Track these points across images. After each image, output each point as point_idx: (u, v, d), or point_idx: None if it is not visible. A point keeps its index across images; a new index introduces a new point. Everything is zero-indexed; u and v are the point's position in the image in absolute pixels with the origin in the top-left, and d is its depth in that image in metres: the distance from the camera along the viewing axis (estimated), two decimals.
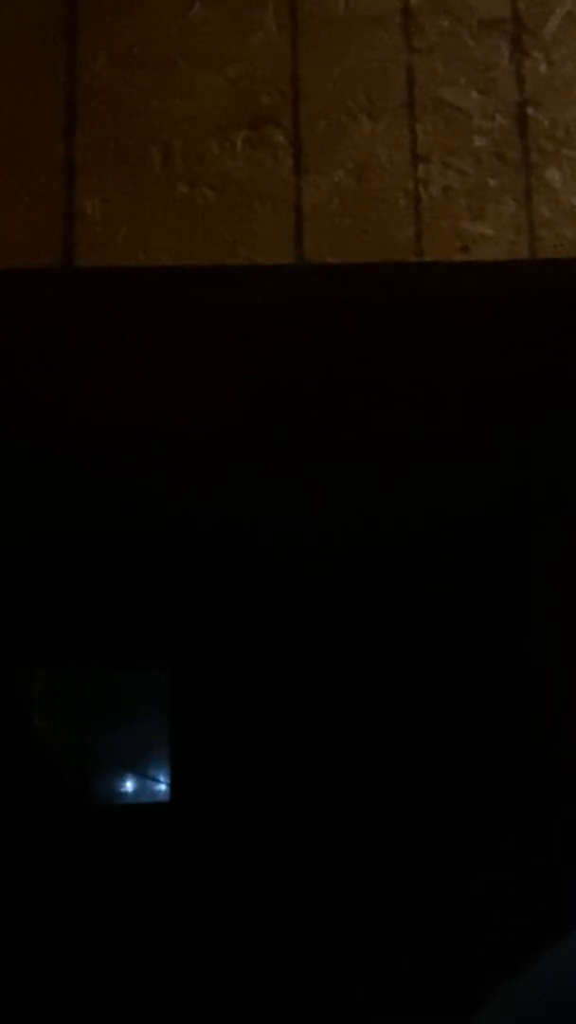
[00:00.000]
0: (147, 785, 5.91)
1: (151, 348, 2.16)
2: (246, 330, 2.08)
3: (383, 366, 2.28)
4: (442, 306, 1.87)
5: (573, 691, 2.81)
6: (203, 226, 1.51)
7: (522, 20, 1.59)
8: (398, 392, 2.43)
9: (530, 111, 1.56)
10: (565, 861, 2.80)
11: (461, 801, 3.86)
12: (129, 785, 6.04)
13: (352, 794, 4.45)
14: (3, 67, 1.55)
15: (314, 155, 1.54)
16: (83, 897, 4.36)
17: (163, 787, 5.45)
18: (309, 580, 4.03)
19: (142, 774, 5.92)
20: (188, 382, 2.35)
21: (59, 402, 2.44)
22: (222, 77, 1.55)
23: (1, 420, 2.52)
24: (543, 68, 1.57)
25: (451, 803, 3.96)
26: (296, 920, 4.30)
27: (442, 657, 4.08)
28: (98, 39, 1.56)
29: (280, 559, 3.76)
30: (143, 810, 5.52)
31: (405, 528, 3.44)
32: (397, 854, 4.24)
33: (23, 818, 4.31)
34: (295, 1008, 4.07)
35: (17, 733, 4.67)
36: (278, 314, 1.96)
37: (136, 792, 6.00)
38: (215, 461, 2.83)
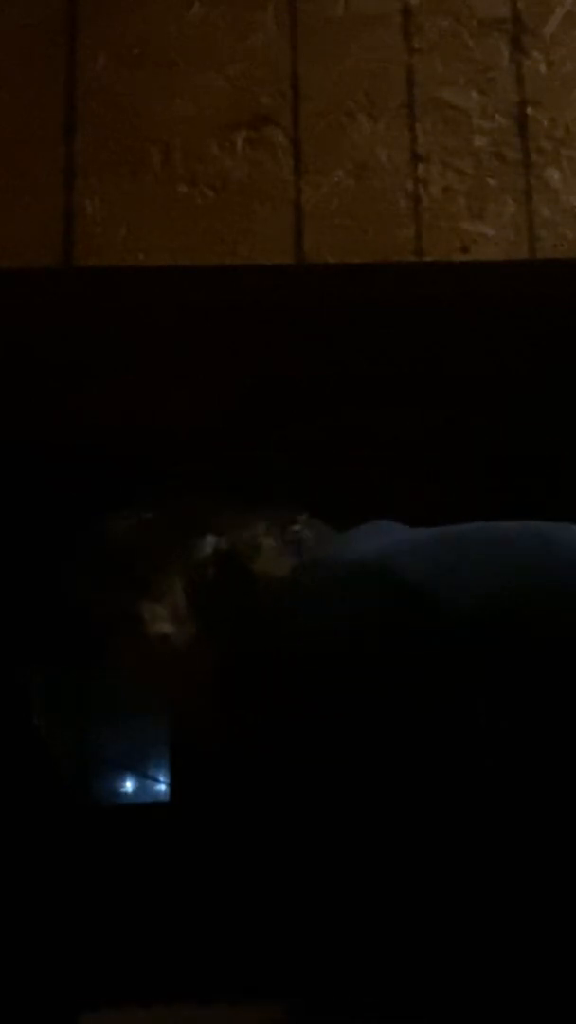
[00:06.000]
0: (147, 785, 5.91)
1: (151, 348, 2.16)
2: (246, 330, 2.08)
3: (382, 366, 2.27)
4: (442, 306, 1.86)
5: None
6: (203, 226, 1.51)
7: (522, 20, 1.59)
8: (398, 392, 2.42)
9: (530, 111, 1.56)
10: None
11: (459, 799, 3.86)
12: (129, 785, 6.04)
13: (353, 793, 4.44)
14: (3, 67, 1.55)
15: (314, 155, 1.54)
16: (83, 897, 4.36)
17: (163, 787, 5.45)
18: None
19: (142, 774, 5.92)
20: (188, 382, 2.34)
21: (59, 402, 2.44)
22: (222, 77, 1.56)
23: (1, 420, 2.52)
24: (543, 68, 1.58)
25: (449, 800, 3.96)
26: (296, 920, 4.30)
27: None
28: (98, 39, 1.56)
29: None
30: (143, 810, 5.51)
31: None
32: (398, 853, 4.24)
33: (23, 818, 4.31)
34: (293, 1008, 4.06)
35: (17, 733, 4.67)
36: (278, 314, 1.96)
37: (136, 792, 6.00)
38: (215, 461, 2.83)
